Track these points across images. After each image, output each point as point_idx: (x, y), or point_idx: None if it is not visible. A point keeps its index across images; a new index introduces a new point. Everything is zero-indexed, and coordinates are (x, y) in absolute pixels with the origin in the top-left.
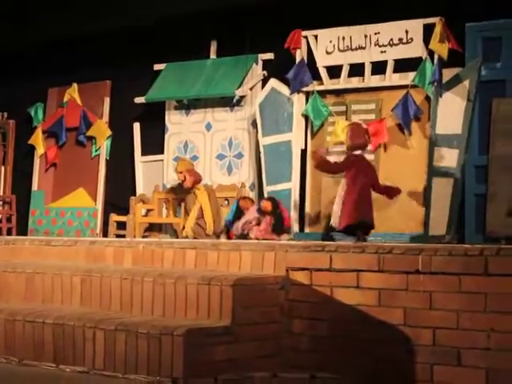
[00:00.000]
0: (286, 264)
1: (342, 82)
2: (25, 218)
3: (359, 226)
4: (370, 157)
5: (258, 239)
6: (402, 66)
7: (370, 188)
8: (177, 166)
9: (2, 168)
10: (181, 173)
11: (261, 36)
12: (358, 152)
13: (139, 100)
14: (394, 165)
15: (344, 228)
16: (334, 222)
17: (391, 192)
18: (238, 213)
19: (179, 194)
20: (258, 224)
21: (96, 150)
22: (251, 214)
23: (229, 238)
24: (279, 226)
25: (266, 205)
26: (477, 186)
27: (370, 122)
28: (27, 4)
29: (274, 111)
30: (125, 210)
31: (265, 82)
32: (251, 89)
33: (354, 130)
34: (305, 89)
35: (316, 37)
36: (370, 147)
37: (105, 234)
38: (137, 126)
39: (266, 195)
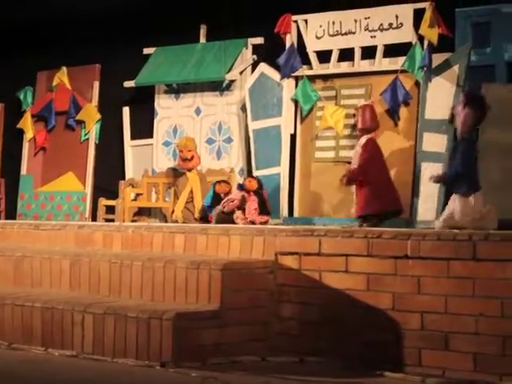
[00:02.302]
0: (274, 248)
1: (332, 67)
2: (13, 202)
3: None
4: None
5: (253, 222)
6: (391, 50)
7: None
8: (185, 142)
9: None
10: (190, 151)
11: (250, 20)
12: (368, 135)
13: (129, 84)
14: (382, 149)
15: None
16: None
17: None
18: (215, 197)
19: (169, 179)
20: (241, 206)
21: (85, 134)
22: (235, 194)
23: (208, 222)
24: (263, 207)
25: (253, 183)
26: None
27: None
28: None
29: (263, 96)
30: (114, 194)
31: (254, 66)
32: (241, 73)
33: (367, 111)
34: (294, 73)
35: (306, 21)
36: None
37: (94, 218)
38: (126, 110)
39: None
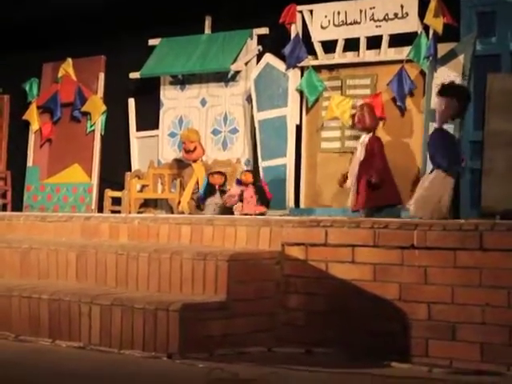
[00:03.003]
0: (281, 239)
1: (337, 57)
2: (20, 194)
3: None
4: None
5: (249, 214)
6: (397, 40)
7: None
8: (188, 134)
9: None
10: (192, 142)
11: (255, 11)
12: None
13: (134, 75)
14: (389, 140)
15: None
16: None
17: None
18: (209, 188)
19: (175, 170)
20: (241, 200)
21: (91, 126)
22: (234, 189)
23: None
24: (263, 198)
25: (248, 176)
26: (472, 161)
27: (366, 97)
28: None
29: (268, 86)
30: (120, 186)
31: (260, 57)
32: (246, 64)
33: (366, 110)
34: (300, 64)
35: (311, 11)
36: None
37: (100, 209)
38: (131, 102)
39: (261, 170)
